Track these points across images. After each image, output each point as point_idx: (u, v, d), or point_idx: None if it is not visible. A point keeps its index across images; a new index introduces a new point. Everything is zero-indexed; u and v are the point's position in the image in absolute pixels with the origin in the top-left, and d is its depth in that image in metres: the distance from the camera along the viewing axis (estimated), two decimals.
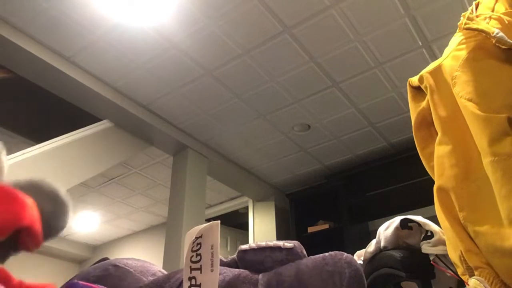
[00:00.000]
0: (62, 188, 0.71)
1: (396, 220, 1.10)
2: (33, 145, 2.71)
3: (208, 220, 4.16)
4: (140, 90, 2.95)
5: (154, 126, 3.16)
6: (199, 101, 3.06)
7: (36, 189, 0.67)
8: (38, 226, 0.61)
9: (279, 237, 4.01)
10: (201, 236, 0.62)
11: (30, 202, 0.61)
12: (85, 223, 4.84)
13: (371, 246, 1.16)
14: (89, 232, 5.11)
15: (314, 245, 1.98)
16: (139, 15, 2.40)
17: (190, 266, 0.61)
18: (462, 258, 0.81)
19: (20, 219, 0.58)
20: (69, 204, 0.71)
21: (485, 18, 0.91)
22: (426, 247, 1.03)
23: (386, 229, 1.12)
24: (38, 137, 2.97)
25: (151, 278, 0.90)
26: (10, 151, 2.54)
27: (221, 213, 4.60)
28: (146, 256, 3.48)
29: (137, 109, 3.05)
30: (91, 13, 2.36)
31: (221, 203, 4.60)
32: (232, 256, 0.88)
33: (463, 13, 0.97)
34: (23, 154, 2.55)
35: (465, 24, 0.93)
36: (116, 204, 4.50)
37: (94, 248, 5.54)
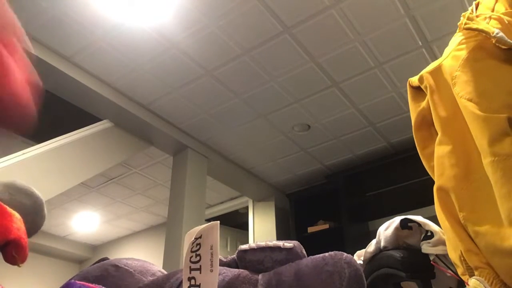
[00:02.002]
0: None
1: (396, 220, 1.10)
2: (33, 145, 2.71)
3: (208, 220, 4.16)
4: (140, 90, 2.95)
5: (154, 126, 3.16)
6: (199, 101, 3.06)
7: (12, 188, 0.68)
8: (25, 239, 0.62)
9: (279, 237, 4.01)
10: (200, 237, 0.62)
11: (17, 216, 0.62)
12: (85, 223, 4.84)
13: (371, 246, 1.16)
14: (89, 232, 5.11)
15: (314, 245, 1.98)
16: (139, 15, 2.40)
17: (190, 266, 0.61)
18: (462, 258, 0.81)
19: (8, 233, 0.58)
20: (42, 199, 0.73)
21: (485, 18, 0.91)
22: (426, 247, 1.03)
23: (386, 229, 1.12)
24: (38, 137, 2.97)
25: (150, 278, 0.90)
26: (10, 151, 2.53)
27: (221, 213, 4.60)
28: (146, 256, 3.48)
29: (137, 109, 3.05)
30: (91, 13, 2.36)
31: (221, 203, 4.60)
32: (232, 256, 0.88)
33: (463, 13, 0.97)
34: (23, 154, 2.55)
35: (465, 24, 0.93)
36: (116, 204, 4.50)
37: (94, 248, 5.54)
